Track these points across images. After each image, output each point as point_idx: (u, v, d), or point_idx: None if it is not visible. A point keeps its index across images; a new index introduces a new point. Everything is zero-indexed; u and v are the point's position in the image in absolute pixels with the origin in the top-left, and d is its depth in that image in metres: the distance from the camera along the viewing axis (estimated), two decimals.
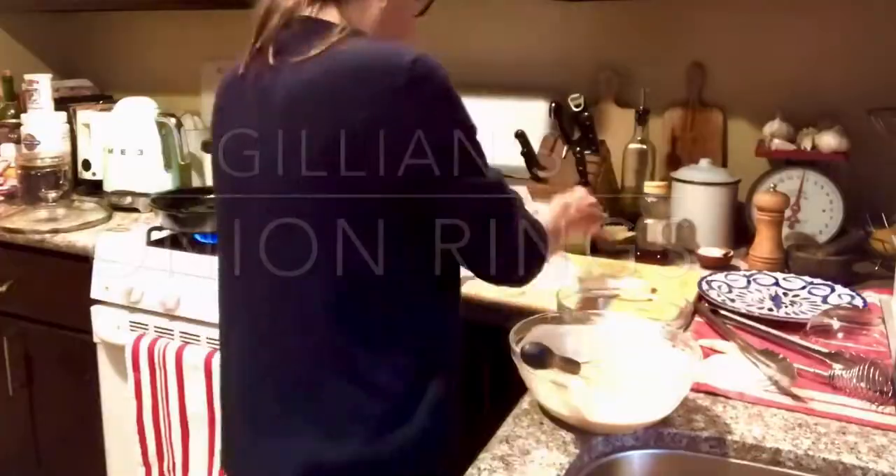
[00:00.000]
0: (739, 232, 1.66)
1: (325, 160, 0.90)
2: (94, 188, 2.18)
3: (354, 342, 0.97)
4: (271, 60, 0.96)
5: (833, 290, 1.35)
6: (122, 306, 1.73)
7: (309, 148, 0.91)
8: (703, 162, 1.67)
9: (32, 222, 1.94)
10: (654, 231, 1.60)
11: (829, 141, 1.60)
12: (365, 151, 0.89)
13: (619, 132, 1.84)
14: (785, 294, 1.36)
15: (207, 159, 2.11)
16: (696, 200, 1.64)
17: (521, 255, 1.00)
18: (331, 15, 0.99)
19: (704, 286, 1.36)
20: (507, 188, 1.01)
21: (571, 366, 0.96)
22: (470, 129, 0.97)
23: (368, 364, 0.97)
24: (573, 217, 1.24)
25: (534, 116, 1.88)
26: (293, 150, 0.92)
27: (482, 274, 1.02)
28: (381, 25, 1.02)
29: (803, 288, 1.38)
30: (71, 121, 2.25)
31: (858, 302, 1.29)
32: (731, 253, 1.55)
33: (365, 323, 0.97)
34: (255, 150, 0.97)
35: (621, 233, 1.63)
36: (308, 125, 0.91)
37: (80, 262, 1.79)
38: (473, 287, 1.40)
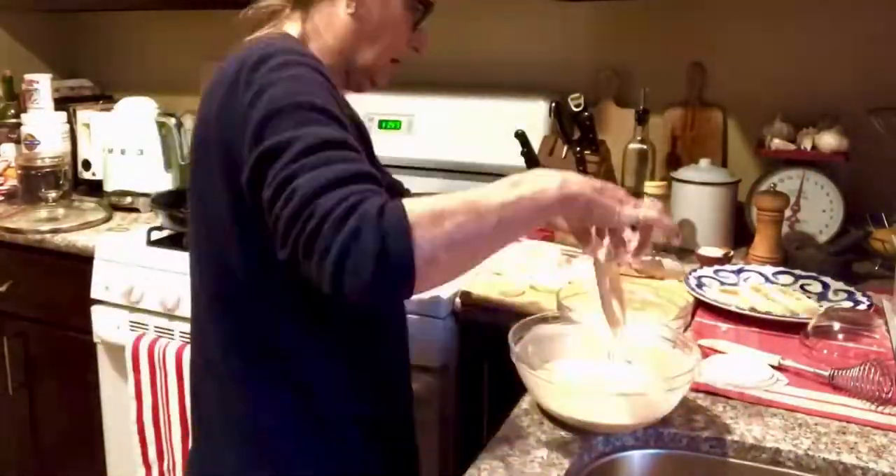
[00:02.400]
0: (739, 232, 1.66)
1: (196, 161, 0.93)
2: (94, 188, 2.18)
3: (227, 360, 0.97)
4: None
5: (827, 286, 1.36)
6: (122, 306, 1.73)
7: (192, 150, 0.95)
8: (703, 162, 1.67)
9: (32, 222, 1.94)
10: (654, 231, 1.60)
11: (829, 141, 1.60)
12: (210, 153, 0.89)
13: (619, 132, 1.84)
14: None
15: None
16: (696, 200, 1.63)
17: (299, 226, 0.73)
18: (291, 26, 0.99)
19: (693, 282, 1.36)
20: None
21: None
22: (280, 108, 0.80)
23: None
24: (528, 202, 0.81)
25: (534, 116, 1.88)
26: (193, 153, 0.96)
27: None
28: (354, 38, 0.99)
29: (795, 281, 1.39)
30: (71, 121, 2.25)
31: (861, 300, 1.29)
32: (732, 253, 1.55)
33: (234, 341, 0.96)
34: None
35: None
36: (196, 127, 0.94)
37: (80, 262, 1.79)
38: (474, 287, 1.40)
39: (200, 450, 1.05)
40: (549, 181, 0.80)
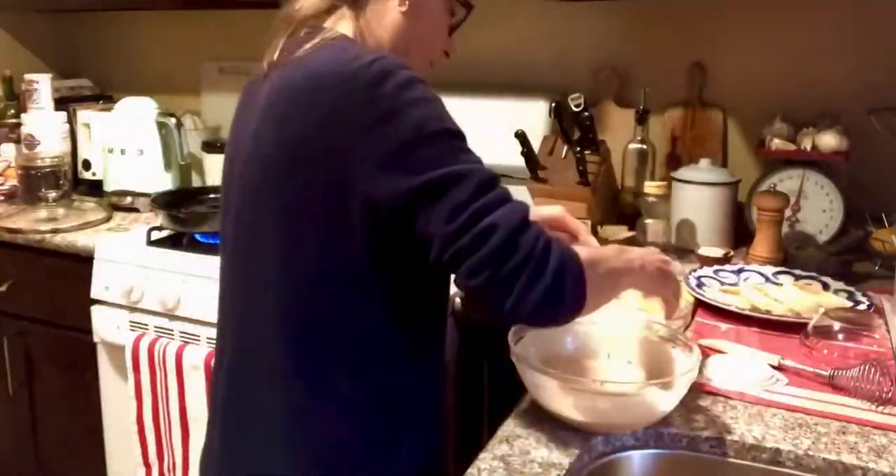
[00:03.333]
0: (739, 232, 1.66)
1: (283, 169, 0.88)
2: (94, 188, 2.18)
3: (301, 378, 0.91)
4: (265, 67, 0.96)
5: (827, 286, 1.36)
6: (122, 306, 1.73)
7: (268, 155, 0.89)
8: (703, 162, 1.67)
9: (32, 222, 1.94)
10: (654, 231, 1.60)
11: (829, 141, 1.60)
12: (319, 162, 0.86)
13: (619, 132, 1.84)
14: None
15: (207, 159, 2.11)
16: (696, 200, 1.63)
17: (506, 269, 0.81)
18: (344, 25, 0.96)
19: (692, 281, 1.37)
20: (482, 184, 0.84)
21: None
22: (431, 134, 0.84)
23: (314, 408, 0.92)
24: (637, 268, 0.95)
25: (534, 116, 1.88)
26: (259, 158, 0.90)
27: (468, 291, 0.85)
28: (405, 37, 0.98)
29: (795, 281, 1.39)
30: (71, 121, 2.25)
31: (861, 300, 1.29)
32: (732, 253, 1.55)
33: (318, 364, 0.92)
34: (239, 155, 0.96)
35: (621, 233, 1.63)
36: (272, 131, 0.89)
37: (80, 262, 1.79)
38: None
39: (228, 449, 1.00)
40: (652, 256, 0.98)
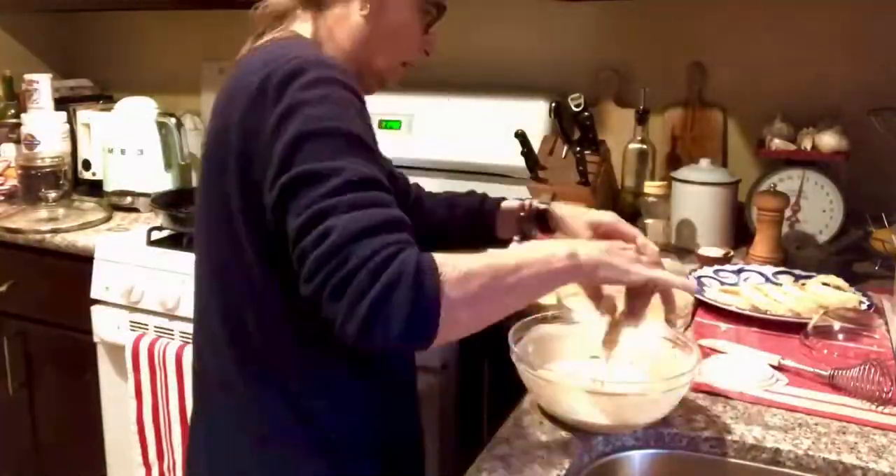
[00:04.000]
0: (739, 232, 1.66)
1: (213, 171, 0.90)
2: (94, 188, 2.18)
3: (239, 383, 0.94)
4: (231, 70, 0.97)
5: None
6: (122, 306, 1.73)
7: (205, 157, 0.92)
8: (703, 162, 1.67)
9: (32, 222, 1.94)
10: (655, 231, 1.60)
11: (829, 141, 1.60)
12: (228, 163, 0.86)
13: (619, 132, 1.84)
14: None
15: None
16: (696, 200, 1.63)
17: (332, 272, 0.72)
18: (303, 27, 0.96)
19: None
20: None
21: None
22: (312, 134, 0.79)
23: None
24: (595, 257, 0.85)
25: (534, 116, 1.88)
26: (203, 159, 0.93)
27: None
28: (366, 40, 0.97)
29: (795, 281, 1.39)
30: (71, 121, 2.25)
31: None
32: (732, 253, 1.55)
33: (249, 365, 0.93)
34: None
35: None
36: (212, 133, 0.91)
37: (80, 262, 1.79)
38: None
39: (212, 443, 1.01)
40: (558, 249, 0.84)
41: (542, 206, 1.20)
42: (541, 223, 1.20)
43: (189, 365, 1.61)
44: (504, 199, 1.27)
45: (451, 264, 0.76)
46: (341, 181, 0.76)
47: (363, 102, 0.87)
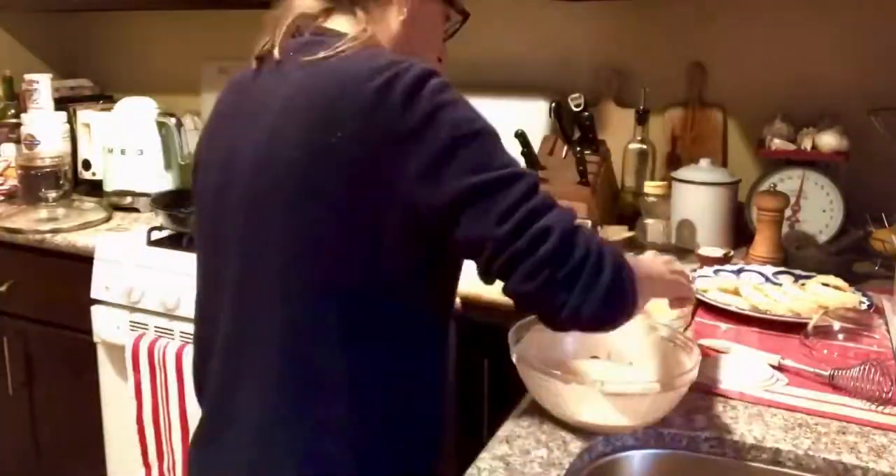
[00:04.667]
0: (739, 232, 1.66)
1: (312, 177, 0.85)
2: (94, 188, 2.18)
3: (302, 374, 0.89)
4: (276, 66, 0.92)
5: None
6: (122, 306, 1.73)
7: (293, 161, 0.85)
8: (703, 162, 1.67)
9: (32, 222, 1.94)
10: (655, 231, 1.60)
11: (829, 141, 1.60)
12: (353, 173, 0.83)
13: (619, 132, 1.84)
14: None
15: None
16: (696, 200, 1.63)
17: (553, 270, 0.80)
18: (344, 26, 0.93)
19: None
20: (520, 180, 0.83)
21: None
22: (468, 137, 0.82)
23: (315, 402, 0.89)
24: (657, 276, 0.97)
25: (534, 116, 1.88)
26: (280, 163, 0.87)
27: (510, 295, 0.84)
28: (404, 45, 0.96)
29: (795, 281, 1.39)
30: (71, 121, 2.25)
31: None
32: (732, 253, 1.55)
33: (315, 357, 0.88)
34: (245, 155, 0.91)
35: (621, 233, 1.63)
36: (299, 136, 0.85)
37: (80, 262, 1.79)
38: (473, 287, 1.40)
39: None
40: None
41: None
42: None
43: (189, 365, 1.61)
44: None
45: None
46: (527, 184, 0.81)
47: None
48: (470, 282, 1.41)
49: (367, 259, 0.86)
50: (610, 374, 1.01)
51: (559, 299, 0.80)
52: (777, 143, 1.66)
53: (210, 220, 0.99)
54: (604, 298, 0.81)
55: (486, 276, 0.85)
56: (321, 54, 0.88)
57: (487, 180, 0.80)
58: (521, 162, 0.87)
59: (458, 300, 1.40)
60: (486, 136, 0.83)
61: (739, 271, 1.44)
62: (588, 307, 0.80)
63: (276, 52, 0.92)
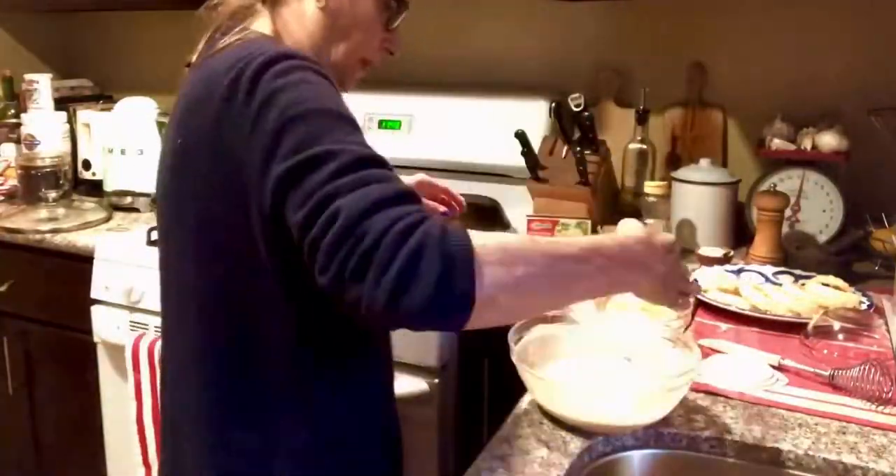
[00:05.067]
0: (739, 232, 1.66)
1: (179, 175, 0.85)
2: (94, 188, 2.18)
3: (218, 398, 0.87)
4: (185, 70, 0.93)
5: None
6: (122, 306, 1.73)
7: (172, 166, 0.86)
8: (704, 162, 1.67)
9: (32, 222, 1.94)
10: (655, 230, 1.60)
11: (829, 141, 1.60)
12: (218, 172, 0.80)
13: (619, 132, 1.84)
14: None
15: None
16: (696, 200, 1.63)
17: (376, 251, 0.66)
18: (262, 24, 0.93)
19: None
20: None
21: None
22: (294, 119, 0.74)
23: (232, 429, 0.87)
24: (655, 270, 0.84)
25: (534, 116, 1.88)
26: (168, 166, 0.88)
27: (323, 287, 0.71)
28: (325, 35, 0.92)
29: (795, 281, 1.39)
30: (71, 121, 2.25)
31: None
32: (732, 253, 1.55)
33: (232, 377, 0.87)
34: (162, 160, 0.93)
35: None
36: (176, 138, 0.86)
37: (80, 262, 1.79)
38: None
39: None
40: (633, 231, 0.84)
41: None
42: None
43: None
44: None
45: (493, 240, 0.70)
46: (339, 164, 0.70)
47: (338, 91, 0.82)
48: None
49: (246, 279, 0.84)
50: (609, 374, 1.01)
51: (354, 292, 0.67)
52: (777, 143, 1.66)
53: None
54: (395, 285, 0.65)
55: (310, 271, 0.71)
56: (208, 53, 0.89)
57: (300, 161, 0.71)
58: (361, 143, 0.74)
59: None
60: (314, 116, 0.74)
61: (739, 271, 1.44)
62: (380, 298, 0.65)
63: (197, 51, 0.94)
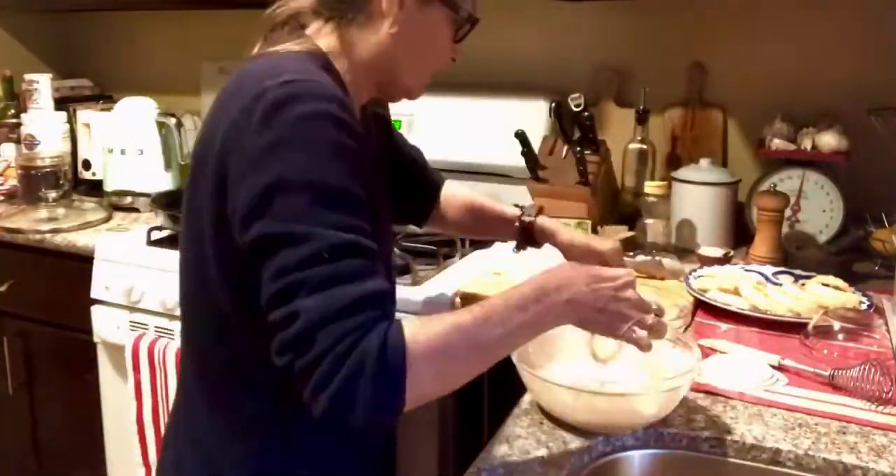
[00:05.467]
0: (739, 232, 1.66)
1: (196, 185, 0.86)
2: (94, 188, 2.18)
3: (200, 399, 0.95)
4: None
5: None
6: (122, 306, 1.73)
7: (195, 169, 0.87)
8: (704, 162, 1.67)
9: (32, 222, 1.94)
10: (654, 231, 1.60)
11: (829, 141, 1.60)
12: (212, 182, 0.82)
13: (619, 132, 1.84)
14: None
15: None
16: (696, 200, 1.63)
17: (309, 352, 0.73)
18: (323, 41, 0.91)
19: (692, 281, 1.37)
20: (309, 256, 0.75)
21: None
22: (297, 184, 0.76)
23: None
24: (584, 299, 0.84)
25: (534, 116, 1.88)
26: (192, 165, 0.89)
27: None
28: (390, 55, 0.92)
29: (795, 281, 1.39)
30: (71, 121, 2.25)
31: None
32: (732, 253, 1.55)
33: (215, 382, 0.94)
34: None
35: (621, 233, 1.63)
36: (203, 137, 0.87)
37: (80, 262, 1.79)
38: (473, 287, 1.40)
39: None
40: (532, 297, 0.83)
41: (528, 220, 1.22)
42: (527, 236, 1.23)
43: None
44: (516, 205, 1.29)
45: (425, 341, 0.76)
46: (312, 250, 0.74)
47: (358, 136, 0.81)
48: (470, 282, 1.42)
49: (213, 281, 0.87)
50: (609, 374, 1.01)
51: (300, 384, 0.74)
52: (777, 143, 1.66)
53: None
54: (330, 403, 0.72)
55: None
56: (265, 52, 0.89)
57: (281, 233, 0.75)
58: (347, 229, 0.77)
59: (458, 300, 1.40)
60: (309, 190, 0.76)
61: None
62: (318, 407, 0.73)
63: (255, 50, 0.94)
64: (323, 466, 0.95)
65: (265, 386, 0.90)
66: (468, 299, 1.40)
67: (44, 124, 2.18)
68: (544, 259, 1.53)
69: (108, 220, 1.97)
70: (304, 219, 0.75)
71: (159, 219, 1.79)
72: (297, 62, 0.86)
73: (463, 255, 1.60)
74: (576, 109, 1.69)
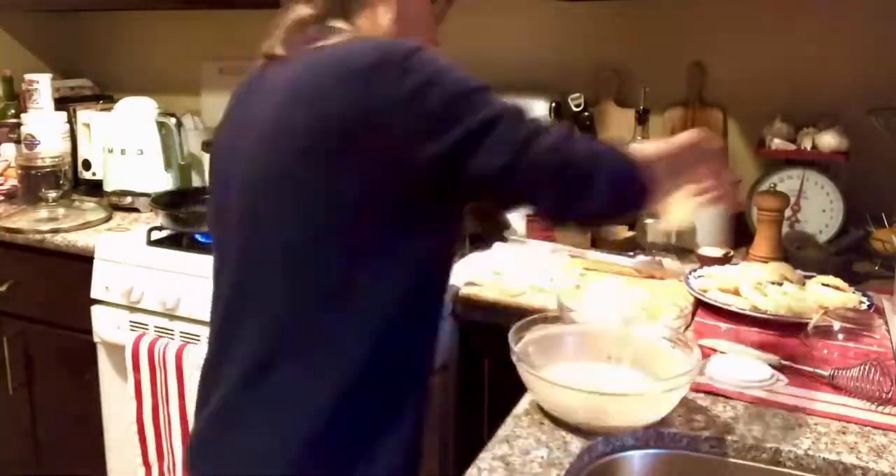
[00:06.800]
0: (739, 232, 1.66)
1: (317, 151, 0.88)
2: (94, 188, 2.18)
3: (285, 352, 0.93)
4: (282, 59, 0.96)
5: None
6: (122, 306, 1.73)
7: (295, 138, 0.89)
8: None
9: (32, 222, 1.94)
10: (655, 231, 1.60)
11: (829, 141, 1.60)
12: (360, 139, 0.87)
13: (619, 132, 1.84)
14: None
15: (208, 159, 2.11)
16: None
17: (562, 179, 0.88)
18: (345, 35, 0.96)
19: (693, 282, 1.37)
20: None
21: None
22: (466, 92, 0.88)
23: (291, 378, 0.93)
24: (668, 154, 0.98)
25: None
26: (283, 142, 0.90)
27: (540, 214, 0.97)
28: (397, 36, 0.99)
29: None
30: (71, 121, 2.25)
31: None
32: (732, 253, 1.55)
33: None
34: (251, 131, 0.95)
35: (621, 232, 1.63)
36: (301, 114, 0.89)
37: (80, 262, 1.79)
38: (473, 288, 1.41)
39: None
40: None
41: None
42: None
43: (189, 365, 1.61)
44: None
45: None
46: (514, 113, 0.88)
47: None
48: (469, 282, 1.42)
49: (347, 225, 0.90)
50: (609, 374, 1.01)
51: (579, 202, 0.88)
52: (777, 143, 1.66)
53: (218, 196, 1.03)
54: (612, 187, 0.88)
55: (503, 205, 1.01)
56: (321, 43, 0.92)
57: (479, 121, 0.85)
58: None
59: (458, 300, 1.40)
60: (475, 91, 0.88)
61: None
62: (603, 198, 0.88)
63: (279, 49, 0.96)
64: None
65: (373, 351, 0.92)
66: (468, 299, 1.40)
67: (44, 124, 2.18)
68: (543, 259, 1.54)
69: (108, 220, 1.97)
70: (490, 106, 0.87)
71: (159, 219, 1.79)
72: (374, 38, 0.95)
73: (463, 255, 1.60)
74: (576, 109, 1.69)
